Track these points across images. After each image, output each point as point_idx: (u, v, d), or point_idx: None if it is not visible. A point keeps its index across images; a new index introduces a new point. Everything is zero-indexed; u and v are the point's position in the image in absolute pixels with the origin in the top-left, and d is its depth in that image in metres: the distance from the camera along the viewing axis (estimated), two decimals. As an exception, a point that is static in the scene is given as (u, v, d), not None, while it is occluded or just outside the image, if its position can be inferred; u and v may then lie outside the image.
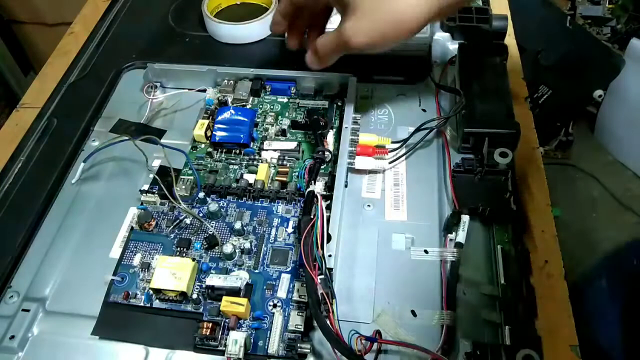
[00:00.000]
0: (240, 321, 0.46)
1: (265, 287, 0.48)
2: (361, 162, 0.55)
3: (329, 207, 0.49)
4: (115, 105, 0.67)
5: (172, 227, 0.52)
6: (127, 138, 0.57)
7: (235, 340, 0.43)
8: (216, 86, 0.65)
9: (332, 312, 0.43)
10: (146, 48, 0.72)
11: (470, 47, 0.63)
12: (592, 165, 1.56)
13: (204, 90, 0.65)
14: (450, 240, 0.50)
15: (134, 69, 0.71)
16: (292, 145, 0.58)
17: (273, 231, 0.52)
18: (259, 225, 0.52)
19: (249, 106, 0.63)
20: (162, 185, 0.53)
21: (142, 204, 0.54)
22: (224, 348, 0.44)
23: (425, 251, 0.51)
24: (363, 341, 0.43)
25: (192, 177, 0.56)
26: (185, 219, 0.53)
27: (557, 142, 1.51)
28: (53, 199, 0.57)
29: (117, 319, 0.47)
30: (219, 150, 0.59)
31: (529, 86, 0.67)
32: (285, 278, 0.49)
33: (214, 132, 0.58)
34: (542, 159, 0.58)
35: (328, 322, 0.42)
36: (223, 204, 0.54)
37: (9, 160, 0.60)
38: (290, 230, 0.52)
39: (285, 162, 0.57)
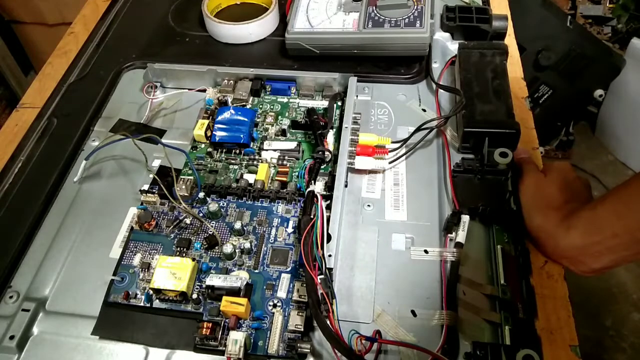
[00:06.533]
0: (240, 321, 0.46)
1: (265, 287, 0.48)
2: (361, 162, 0.55)
3: (329, 207, 0.49)
4: (115, 105, 0.67)
5: (172, 227, 0.52)
6: (127, 136, 0.57)
7: (235, 340, 0.43)
8: (216, 86, 0.65)
9: (332, 312, 0.43)
10: (146, 48, 0.72)
11: (470, 47, 0.63)
12: (593, 165, 1.56)
13: (204, 90, 0.65)
14: (450, 240, 0.50)
15: (134, 69, 0.71)
16: (292, 145, 0.58)
17: (273, 231, 0.52)
18: (259, 225, 0.52)
19: (249, 106, 0.63)
20: (162, 185, 0.53)
21: (142, 204, 0.54)
22: (224, 348, 0.44)
23: (425, 251, 0.51)
24: (363, 341, 0.43)
25: (192, 177, 0.56)
26: (185, 219, 0.53)
27: (558, 142, 1.51)
28: (53, 199, 0.57)
29: (117, 319, 0.47)
30: (219, 150, 0.59)
31: (529, 86, 0.66)
32: (285, 278, 0.49)
33: (214, 132, 0.58)
34: (542, 158, 0.58)
35: (328, 322, 0.42)
36: (223, 204, 0.54)
37: (9, 160, 0.60)
38: (290, 230, 0.52)
39: (285, 162, 0.57)
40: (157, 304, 0.48)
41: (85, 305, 0.48)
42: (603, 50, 1.38)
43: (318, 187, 0.52)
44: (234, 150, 0.59)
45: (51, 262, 0.52)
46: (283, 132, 0.61)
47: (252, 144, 0.59)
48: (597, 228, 0.45)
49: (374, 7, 0.66)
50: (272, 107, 0.64)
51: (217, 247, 0.51)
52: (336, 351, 0.41)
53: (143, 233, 0.52)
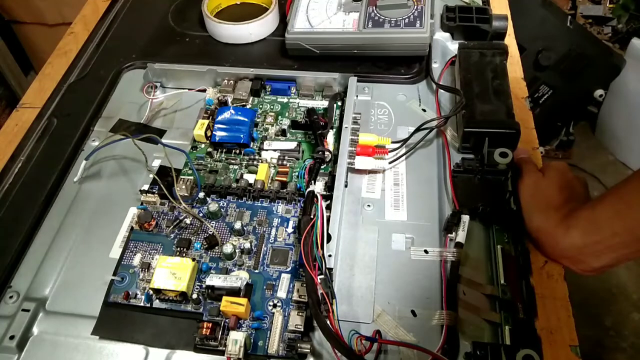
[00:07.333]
0: (240, 321, 0.46)
1: (265, 287, 0.48)
2: (361, 162, 0.55)
3: (329, 207, 0.49)
4: (115, 105, 0.67)
5: (172, 227, 0.52)
6: (127, 136, 0.57)
7: (235, 340, 0.43)
8: (216, 86, 0.65)
9: (332, 312, 0.43)
10: (146, 48, 0.72)
11: (470, 47, 0.63)
12: (593, 165, 1.56)
13: (204, 90, 0.65)
14: (450, 240, 0.50)
15: (134, 69, 0.71)
16: (292, 145, 0.58)
17: (273, 231, 0.52)
18: (259, 225, 0.52)
19: (249, 106, 0.63)
20: (162, 185, 0.53)
21: (142, 204, 0.54)
22: (224, 348, 0.44)
23: (425, 251, 0.51)
24: (363, 341, 0.43)
25: (192, 177, 0.56)
26: (185, 219, 0.53)
27: (558, 142, 1.51)
28: (53, 199, 0.57)
29: (117, 319, 0.47)
30: (219, 150, 0.59)
31: (529, 86, 0.66)
32: (285, 278, 0.49)
33: (214, 132, 0.58)
34: (542, 158, 0.58)
35: (328, 322, 0.42)
36: (223, 204, 0.54)
37: (9, 160, 0.60)
38: (290, 230, 0.52)
39: (285, 162, 0.57)
40: (157, 304, 0.48)
41: (85, 305, 0.48)
42: (603, 50, 1.38)
43: (318, 187, 0.52)
44: (234, 150, 0.59)
45: (51, 262, 0.52)
46: (283, 132, 0.61)
47: (252, 144, 0.59)
48: (597, 227, 0.45)
49: (374, 7, 0.66)
50: (272, 107, 0.64)
51: (217, 247, 0.51)
52: (336, 351, 0.41)
53: (143, 233, 0.52)
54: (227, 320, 0.46)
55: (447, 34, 0.68)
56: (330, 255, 0.45)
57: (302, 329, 0.45)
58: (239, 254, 0.50)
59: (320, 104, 0.63)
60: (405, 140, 0.57)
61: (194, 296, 0.47)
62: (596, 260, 0.46)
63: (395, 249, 0.51)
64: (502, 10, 0.77)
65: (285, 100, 0.64)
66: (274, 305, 0.47)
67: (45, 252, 0.53)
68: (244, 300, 0.45)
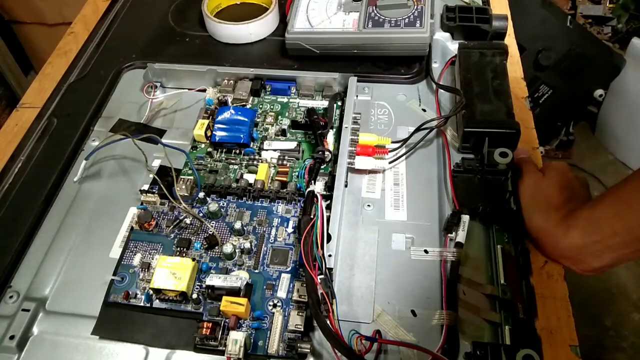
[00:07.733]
0: (240, 321, 0.46)
1: (265, 287, 0.48)
2: (361, 162, 0.55)
3: (329, 207, 0.49)
4: (115, 105, 0.67)
5: (172, 227, 0.52)
6: (127, 136, 0.57)
7: (235, 340, 0.43)
8: (216, 86, 0.65)
9: (332, 312, 0.43)
10: (146, 48, 0.72)
11: (470, 47, 0.63)
12: (593, 165, 1.56)
13: (204, 90, 0.65)
14: (450, 240, 0.50)
15: (134, 69, 0.71)
16: (292, 145, 0.58)
17: (273, 231, 0.52)
18: (259, 225, 0.52)
19: (249, 106, 0.63)
20: (162, 185, 0.53)
21: (142, 204, 0.54)
22: (224, 348, 0.44)
23: (425, 251, 0.51)
24: (363, 341, 0.43)
25: (192, 177, 0.56)
26: (185, 219, 0.53)
27: (558, 142, 1.51)
28: (53, 199, 0.57)
29: (117, 319, 0.47)
30: (219, 150, 0.59)
31: (529, 86, 0.66)
32: (285, 278, 0.49)
33: (214, 132, 0.58)
34: (542, 158, 0.58)
35: (328, 322, 0.42)
36: (223, 204, 0.54)
37: (9, 160, 0.60)
38: (290, 230, 0.52)
39: (285, 162, 0.57)
40: (157, 304, 0.48)
41: (85, 305, 0.48)
42: (603, 50, 1.38)
43: (318, 187, 0.52)
44: (234, 150, 0.59)
45: (51, 262, 0.52)
46: (283, 132, 0.61)
47: (252, 144, 0.59)
48: (597, 227, 0.45)
49: (374, 7, 0.66)
50: (272, 107, 0.64)
51: (217, 247, 0.51)
52: (336, 351, 0.41)
53: (143, 233, 0.52)
54: (227, 320, 0.46)
55: (447, 34, 0.68)
56: (330, 255, 0.45)
57: (302, 329, 0.45)
58: (239, 254, 0.50)
59: (320, 104, 0.63)
60: (405, 140, 0.57)
61: (194, 296, 0.47)
62: (596, 260, 0.46)
63: (395, 249, 0.51)
64: (502, 10, 0.77)
65: (285, 100, 0.64)
66: (274, 305, 0.47)
67: (45, 252, 0.53)
68: (244, 300, 0.45)
